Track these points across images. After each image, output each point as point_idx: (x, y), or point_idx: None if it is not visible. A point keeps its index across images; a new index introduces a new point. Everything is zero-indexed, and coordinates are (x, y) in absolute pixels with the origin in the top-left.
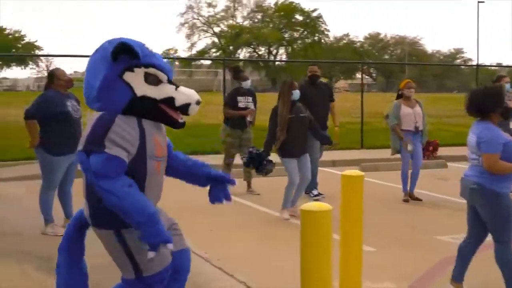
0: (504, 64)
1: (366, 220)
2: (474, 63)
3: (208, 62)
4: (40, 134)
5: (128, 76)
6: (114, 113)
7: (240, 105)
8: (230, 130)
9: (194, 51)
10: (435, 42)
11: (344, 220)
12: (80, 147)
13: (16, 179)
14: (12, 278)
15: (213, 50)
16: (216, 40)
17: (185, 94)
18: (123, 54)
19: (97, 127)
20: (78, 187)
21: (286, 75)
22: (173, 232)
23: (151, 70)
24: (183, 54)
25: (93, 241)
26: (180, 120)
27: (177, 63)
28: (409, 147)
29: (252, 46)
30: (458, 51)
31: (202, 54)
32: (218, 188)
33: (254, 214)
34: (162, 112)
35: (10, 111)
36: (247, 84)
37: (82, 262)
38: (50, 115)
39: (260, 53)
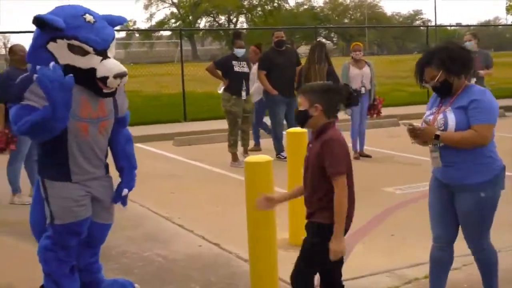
0: (464, 23)
1: None
2: (433, 23)
3: (169, 33)
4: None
5: (51, 46)
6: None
7: (236, 69)
8: (235, 99)
9: (153, 22)
10: (395, 5)
11: (291, 173)
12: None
13: None
14: None
15: (173, 20)
16: (175, 10)
17: (106, 67)
18: (42, 26)
19: (20, 84)
20: None
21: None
22: (106, 209)
23: (74, 42)
24: (143, 25)
25: None
26: (105, 90)
27: (137, 35)
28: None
29: (211, 15)
30: (417, 13)
31: (161, 25)
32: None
33: (211, 175)
34: (88, 80)
35: None
36: (239, 52)
37: None
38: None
39: (220, 22)
